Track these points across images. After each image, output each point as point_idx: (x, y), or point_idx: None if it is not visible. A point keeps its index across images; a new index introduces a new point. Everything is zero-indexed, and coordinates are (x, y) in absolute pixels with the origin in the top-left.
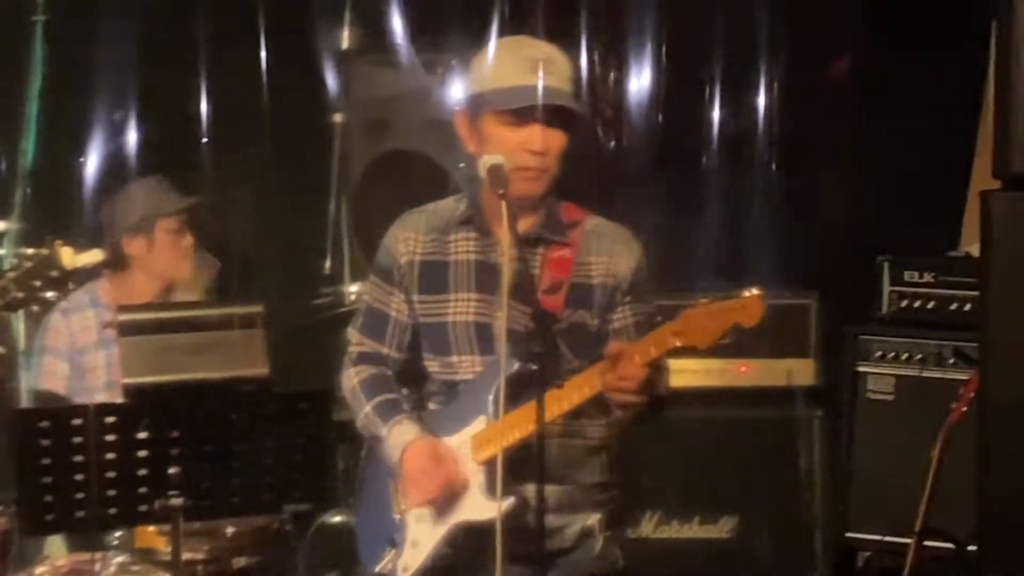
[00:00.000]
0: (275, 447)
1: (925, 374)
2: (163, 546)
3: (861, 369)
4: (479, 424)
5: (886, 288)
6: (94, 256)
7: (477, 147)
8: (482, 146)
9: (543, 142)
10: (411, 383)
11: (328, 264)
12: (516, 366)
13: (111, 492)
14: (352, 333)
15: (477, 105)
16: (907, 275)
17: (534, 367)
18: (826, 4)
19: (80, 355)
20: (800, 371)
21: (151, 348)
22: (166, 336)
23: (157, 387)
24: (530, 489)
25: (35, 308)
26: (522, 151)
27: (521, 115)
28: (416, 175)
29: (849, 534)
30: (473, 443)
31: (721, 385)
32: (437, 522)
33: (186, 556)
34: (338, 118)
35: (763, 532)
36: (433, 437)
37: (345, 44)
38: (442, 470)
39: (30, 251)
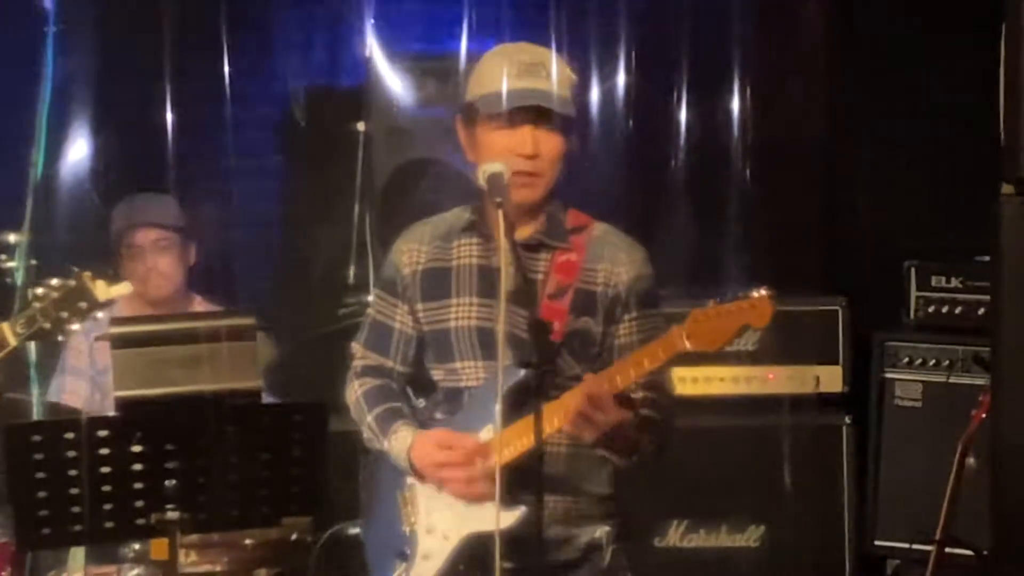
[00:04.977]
0: (271, 460)
1: (952, 380)
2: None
3: (888, 375)
4: (487, 433)
5: (913, 293)
6: (124, 288)
7: (475, 155)
8: (479, 154)
9: (534, 145)
10: (425, 395)
11: (352, 273)
12: (521, 374)
13: (107, 506)
14: (356, 347)
15: (472, 112)
16: (934, 280)
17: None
18: None
19: (102, 375)
20: (828, 378)
21: (144, 361)
22: (159, 349)
23: (150, 400)
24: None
25: (60, 338)
26: (514, 155)
27: (512, 119)
28: (440, 184)
29: (877, 542)
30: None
31: (748, 392)
32: (449, 535)
33: (205, 568)
34: (361, 127)
35: (791, 541)
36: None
37: (367, 52)
38: (456, 452)
39: (56, 282)
